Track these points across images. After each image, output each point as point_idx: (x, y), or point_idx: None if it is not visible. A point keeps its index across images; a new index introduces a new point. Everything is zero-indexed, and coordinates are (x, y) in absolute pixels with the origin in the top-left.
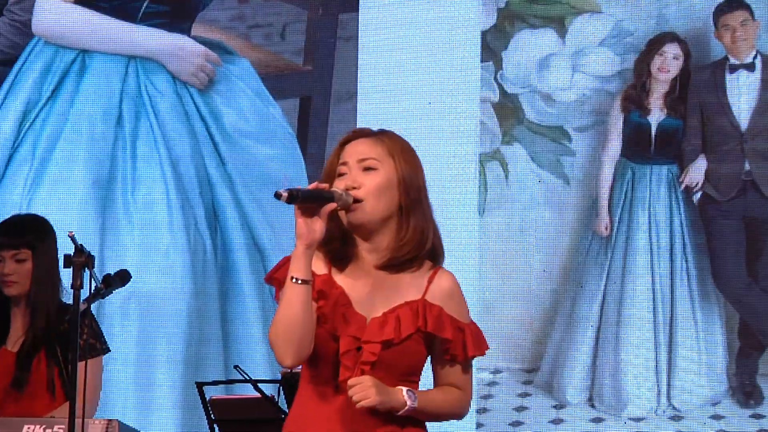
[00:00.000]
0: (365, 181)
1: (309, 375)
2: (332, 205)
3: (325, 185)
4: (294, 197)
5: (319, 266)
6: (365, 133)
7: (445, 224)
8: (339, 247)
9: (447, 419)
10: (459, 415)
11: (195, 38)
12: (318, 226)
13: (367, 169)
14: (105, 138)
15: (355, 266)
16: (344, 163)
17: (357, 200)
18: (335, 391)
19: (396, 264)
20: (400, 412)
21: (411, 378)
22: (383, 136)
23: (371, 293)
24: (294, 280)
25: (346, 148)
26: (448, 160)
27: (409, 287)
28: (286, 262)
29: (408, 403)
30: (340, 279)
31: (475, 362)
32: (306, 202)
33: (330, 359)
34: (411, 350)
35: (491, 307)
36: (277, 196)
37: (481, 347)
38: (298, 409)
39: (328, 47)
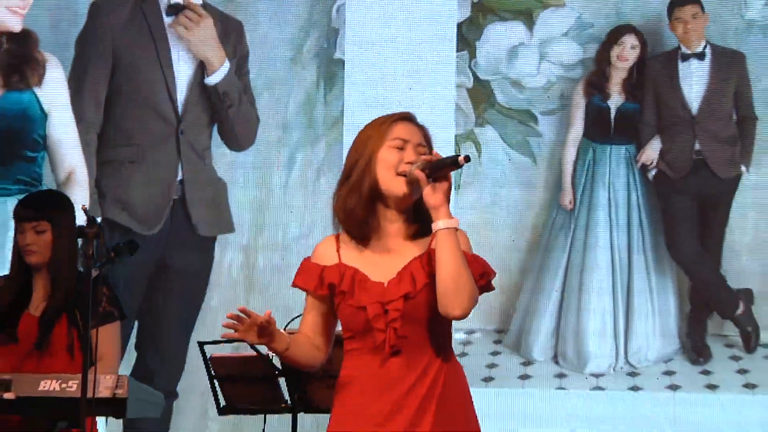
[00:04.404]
0: None
1: (349, 348)
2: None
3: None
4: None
5: (330, 255)
6: (415, 121)
7: None
8: (363, 218)
9: (465, 279)
10: (473, 285)
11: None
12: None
13: (422, 155)
14: None
15: (374, 239)
16: (405, 140)
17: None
18: (377, 353)
19: (418, 235)
20: (440, 222)
21: (442, 325)
22: (426, 131)
23: (383, 262)
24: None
25: (402, 126)
26: None
27: (416, 247)
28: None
29: (456, 220)
30: (354, 258)
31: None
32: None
33: (363, 328)
34: (432, 298)
35: None
36: (466, 160)
37: (488, 271)
38: (350, 373)
39: None
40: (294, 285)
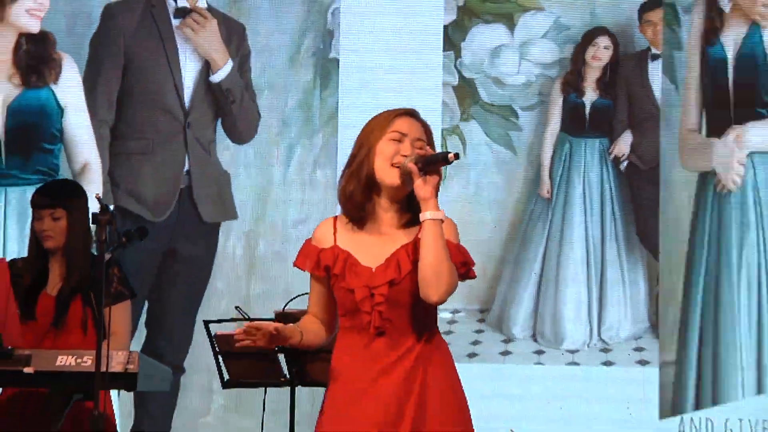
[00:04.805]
0: None
1: (343, 326)
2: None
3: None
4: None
5: (327, 238)
6: (418, 117)
7: None
8: (360, 202)
9: (444, 269)
10: (453, 274)
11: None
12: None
13: (419, 149)
14: None
15: (369, 225)
16: (404, 133)
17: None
18: (364, 333)
19: (410, 224)
20: (427, 213)
21: (426, 309)
22: (427, 126)
23: (375, 247)
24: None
25: (403, 120)
26: None
27: (405, 235)
28: (312, 250)
29: (442, 213)
30: (349, 241)
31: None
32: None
33: (353, 309)
34: (415, 284)
35: None
36: (455, 157)
37: (468, 260)
38: (340, 352)
39: None
40: (295, 265)
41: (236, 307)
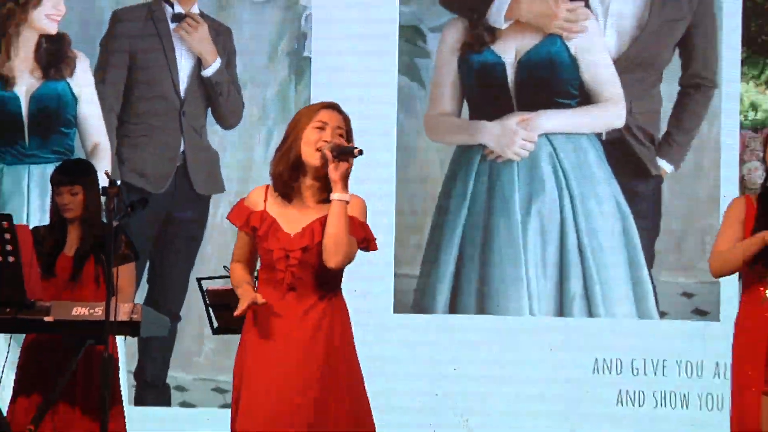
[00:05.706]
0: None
1: (262, 278)
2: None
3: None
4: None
5: (258, 202)
6: (339, 109)
7: (367, 166)
8: (287, 181)
9: (343, 241)
10: (350, 246)
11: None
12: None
13: (340, 136)
14: None
15: (295, 198)
16: (326, 122)
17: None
18: (278, 288)
19: (328, 200)
20: (336, 194)
21: (332, 272)
22: (347, 118)
23: (297, 217)
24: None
25: (326, 112)
26: (368, 119)
27: (322, 209)
28: (245, 210)
29: (348, 195)
30: (276, 209)
31: None
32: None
33: (271, 266)
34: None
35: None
36: (359, 152)
37: (369, 237)
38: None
39: None
40: (227, 218)
41: (224, 267)
